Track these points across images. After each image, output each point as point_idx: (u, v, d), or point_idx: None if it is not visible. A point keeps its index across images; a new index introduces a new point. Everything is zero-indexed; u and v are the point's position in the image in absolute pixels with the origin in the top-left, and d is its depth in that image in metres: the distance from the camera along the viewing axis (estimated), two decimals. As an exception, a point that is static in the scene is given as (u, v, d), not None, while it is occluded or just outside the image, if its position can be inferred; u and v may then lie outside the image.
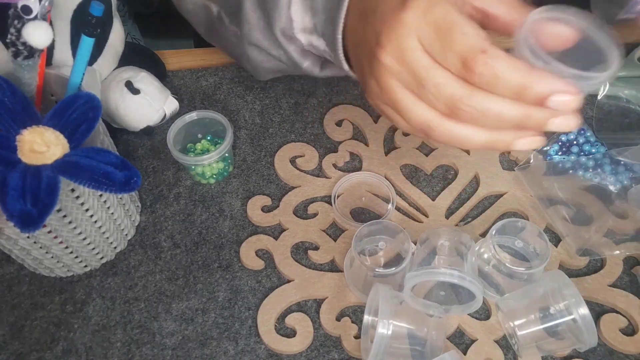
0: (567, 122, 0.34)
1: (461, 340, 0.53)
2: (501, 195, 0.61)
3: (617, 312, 0.54)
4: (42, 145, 0.45)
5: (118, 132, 0.66)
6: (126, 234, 0.59)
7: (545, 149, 0.63)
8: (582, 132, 0.63)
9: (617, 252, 0.56)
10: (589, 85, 0.34)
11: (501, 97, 0.34)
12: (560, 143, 0.63)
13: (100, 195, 0.52)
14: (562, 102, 0.32)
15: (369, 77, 0.40)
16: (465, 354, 0.51)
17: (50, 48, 0.56)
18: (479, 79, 0.33)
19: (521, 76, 0.33)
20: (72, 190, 0.48)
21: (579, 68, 0.34)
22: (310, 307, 0.55)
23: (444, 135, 0.37)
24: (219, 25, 0.57)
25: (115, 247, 0.58)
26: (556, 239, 0.58)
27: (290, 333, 0.53)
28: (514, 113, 0.34)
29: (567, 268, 0.57)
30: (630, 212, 0.58)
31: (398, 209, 0.61)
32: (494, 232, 0.53)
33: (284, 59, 0.54)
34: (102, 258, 0.57)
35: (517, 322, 0.50)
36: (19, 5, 0.48)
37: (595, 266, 0.57)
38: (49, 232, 0.50)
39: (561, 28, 0.35)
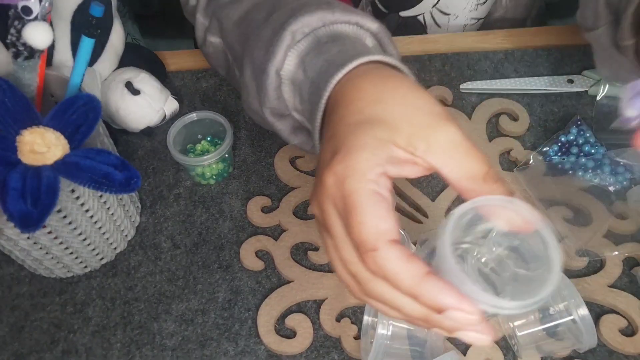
0: (477, 337, 0.31)
1: (461, 341, 0.53)
2: (501, 196, 0.61)
3: (616, 312, 0.54)
4: (42, 146, 0.45)
5: (118, 132, 0.66)
6: (126, 235, 0.59)
7: (544, 149, 0.63)
8: (582, 132, 0.63)
9: (617, 252, 0.56)
10: (496, 311, 0.30)
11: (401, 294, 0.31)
12: (559, 144, 0.63)
13: (100, 196, 0.52)
14: (460, 319, 0.30)
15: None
16: (465, 354, 0.51)
17: (51, 49, 0.56)
18: (370, 271, 0.32)
19: (411, 285, 0.30)
20: (72, 190, 0.48)
21: (517, 268, 0.33)
22: (310, 308, 0.55)
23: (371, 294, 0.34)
24: (234, 74, 0.56)
25: (115, 248, 0.58)
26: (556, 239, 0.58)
27: (290, 334, 0.53)
28: (415, 314, 0.31)
29: (567, 268, 0.57)
30: (630, 212, 0.59)
31: (398, 209, 0.61)
32: (494, 232, 0.53)
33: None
34: (102, 259, 0.57)
35: (516, 323, 0.50)
36: (19, 6, 0.48)
37: (595, 267, 0.57)
38: (49, 232, 0.50)
39: (517, 218, 0.33)
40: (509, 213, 0.32)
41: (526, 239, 0.33)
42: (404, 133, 0.33)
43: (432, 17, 0.77)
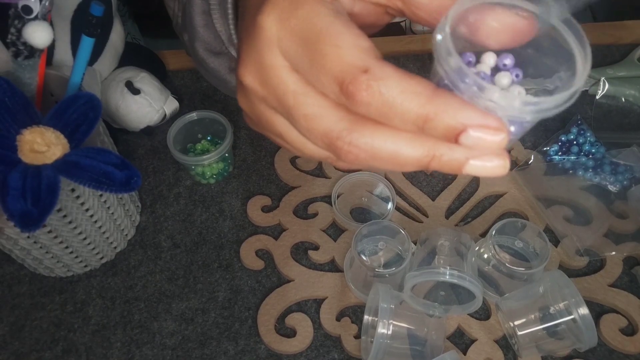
0: (491, 166, 0.24)
1: (461, 340, 0.53)
2: (501, 196, 0.61)
3: (617, 312, 0.54)
4: (42, 145, 0.45)
5: (118, 132, 0.66)
6: (126, 234, 0.59)
7: (545, 149, 0.63)
8: (582, 132, 0.63)
9: (617, 252, 0.56)
10: (532, 113, 0.23)
11: (396, 131, 0.24)
12: (560, 143, 0.63)
13: (101, 195, 0.52)
14: (481, 140, 0.22)
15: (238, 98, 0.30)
16: (465, 354, 0.51)
17: (51, 48, 0.56)
18: (365, 109, 0.24)
19: (421, 104, 0.23)
20: (72, 190, 0.48)
21: (532, 78, 0.26)
22: (310, 307, 0.55)
23: (359, 160, 0.26)
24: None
25: (115, 247, 0.58)
26: (556, 239, 0.58)
27: (290, 333, 0.53)
28: (414, 155, 0.24)
29: (567, 268, 0.57)
30: (630, 212, 0.59)
31: (398, 209, 0.61)
32: (493, 232, 0.53)
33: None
34: (102, 258, 0.57)
35: (517, 322, 0.50)
36: (20, 5, 0.48)
37: (595, 266, 0.57)
38: (49, 231, 0.50)
39: (510, 18, 0.25)
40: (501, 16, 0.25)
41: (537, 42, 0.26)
42: None
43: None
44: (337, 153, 0.25)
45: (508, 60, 0.25)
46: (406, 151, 0.24)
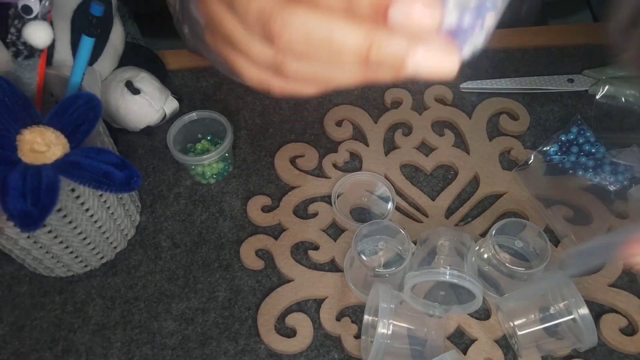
0: (437, 61, 0.22)
1: (461, 340, 0.53)
2: (501, 195, 0.61)
3: (617, 312, 0.54)
4: (42, 145, 0.45)
5: (118, 132, 0.66)
6: (126, 234, 0.59)
7: (545, 149, 0.63)
8: (582, 131, 0.63)
9: (617, 252, 0.56)
10: None
11: (331, 14, 0.22)
12: (560, 143, 0.63)
13: (101, 195, 0.52)
14: (410, 15, 0.21)
15: None
16: (465, 354, 0.51)
17: (51, 48, 0.56)
18: None
19: None
20: (72, 190, 0.48)
21: None
22: (310, 307, 0.55)
23: (294, 45, 0.24)
24: None
25: (115, 247, 0.58)
26: (556, 239, 0.58)
27: (290, 333, 0.53)
28: (351, 40, 0.22)
29: (567, 268, 0.57)
30: (630, 212, 0.58)
31: (398, 209, 0.61)
32: (493, 232, 0.53)
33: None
34: (102, 258, 0.57)
35: (517, 322, 0.50)
36: (20, 5, 0.48)
37: (595, 266, 0.57)
38: (49, 231, 0.50)
39: None
40: None
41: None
42: None
43: None
44: (271, 37, 0.24)
45: None
46: (342, 35, 0.22)
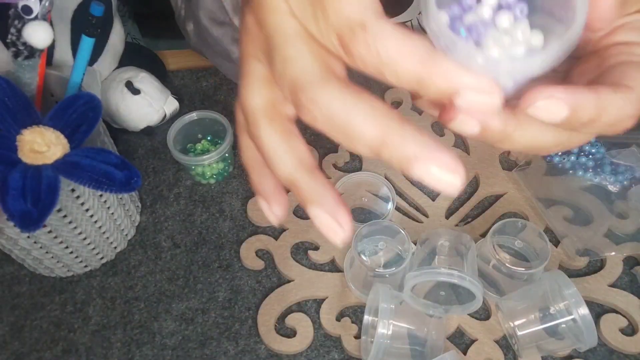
0: (439, 177, 0.23)
1: (461, 340, 0.53)
2: (501, 196, 0.61)
3: (617, 312, 0.54)
4: (42, 145, 0.45)
5: (118, 132, 0.66)
6: (126, 234, 0.59)
7: (545, 149, 0.63)
8: (582, 132, 0.63)
9: (617, 252, 0.56)
10: (522, 69, 0.23)
11: (358, 103, 0.23)
12: (560, 143, 0.63)
13: (101, 195, 0.52)
14: (475, 101, 0.22)
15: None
16: (465, 354, 0.51)
17: (51, 48, 0.56)
18: (362, 65, 0.24)
19: (417, 62, 0.22)
20: (72, 190, 0.48)
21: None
22: (310, 307, 0.55)
23: (316, 119, 0.25)
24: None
25: (115, 247, 0.58)
26: (556, 239, 0.58)
27: (290, 333, 0.53)
28: (367, 133, 0.23)
29: (567, 268, 0.57)
30: (630, 212, 0.58)
31: (398, 209, 0.61)
32: (493, 232, 0.53)
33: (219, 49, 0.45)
34: (102, 258, 0.57)
35: (517, 322, 0.50)
36: (20, 5, 0.48)
37: (595, 266, 0.57)
38: (49, 232, 0.50)
39: None
40: None
41: None
42: None
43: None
44: (297, 107, 0.25)
45: None
46: (360, 126, 0.23)
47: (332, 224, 0.26)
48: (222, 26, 0.44)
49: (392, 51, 0.23)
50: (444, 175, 0.22)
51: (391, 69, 0.23)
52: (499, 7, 0.24)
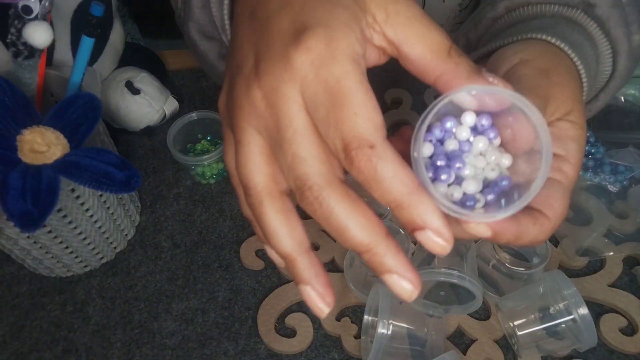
0: (401, 288, 0.27)
1: (461, 340, 0.53)
2: (501, 196, 0.61)
3: (617, 312, 0.54)
4: (42, 145, 0.45)
5: (118, 132, 0.66)
6: (126, 234, 0.59)
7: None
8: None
9: (617, 252, 0.56)
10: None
11: (357, 213, 0.27)
12: (560, 143, 0.63)
13: (100, 195, 0.52)
14: (429, 240, 0.27)
15: (228, 94, 0.31)
16: (465, 354, 0.51)
17: (51, 48, 0.57)
18: (357, 174, 0.27)
19: (402, 193, 0.26)
20: (72, 190, 0.48)
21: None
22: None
23: (315, 215, 0.28)
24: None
25: (115, 247, 0.58)
26: (556, 239, 0.58)
27: (290, 333, 0.53)
28: (358, 239, 0.27)
29: (567, 268, 0.57)
30: (630, 212, 0.59)
31: (398, 209, 0.60)
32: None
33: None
34: (102, 258, 0.57)
35: (516, 322, 0.50)
36: (20, 5, 0.48)
37: (595, 266, 0.57)
38: (49, 232, 0.50)
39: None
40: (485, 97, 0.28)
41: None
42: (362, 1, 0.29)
43: None
44: (300, 198, 0.28)
45: (484, 121, 0.28)
46: (354, 232, 0.27)
47: (320, 303, 0.29)
48: (209, 40, 0.44)
49: (388, 173, 0.26)
50: (407, 286, 0.27)
51: (380, 185, 0.26)
52: (475, 131, 0.28)
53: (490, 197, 0.28)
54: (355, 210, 0.27)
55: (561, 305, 0.48)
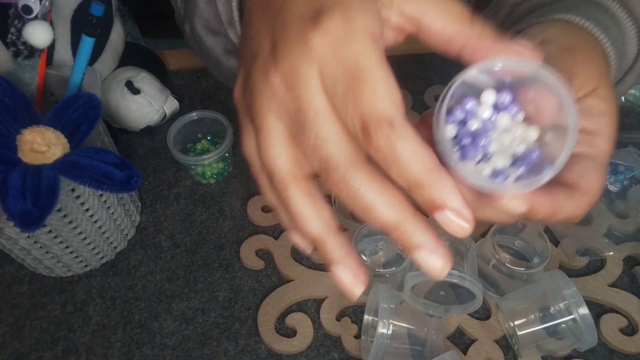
0: (431, 264, 0.26)
1: (461, 340, 0.53)
2: (501, 195, 0.61)
3: (617, 312, 0.54)
4: (42, 144, 0.45)
5: (118, 132, 0.66)
6: (126, 234, 0.59)
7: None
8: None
9: (617, 252, 0.56)
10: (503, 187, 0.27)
11: (384, 191, 0.27)
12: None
13: (101, 195, 0.52)
14: (449, 221, 0.26)
15: (245, 83, 0.31)
16: (465, 354, 0.51)
17: (51, 48, 0.56)
18: (375, 153, 0.26)
19: (422, 171, 0.25)
20: (72, 190, 0.48)
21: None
22: (310, 307, 0.55)
23: (341, 195, 0.28)
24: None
25: (115, 247, 0.58)
26: (556, 239, 0.58)
27: (290, 333, 0.53)
28: (386, 217, 0.26)
29: (567, 268, 0.57)
30: (630, 212, 0.59)
31: (398, 209, 0.60)
32: (493, 232, 0.53)
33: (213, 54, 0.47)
34: (102, 258, 0.57)
35: (517, 322, 0.50)
36: (20, 5, 0.48)
37: (595, 266, 0.57)
38: (49, 231, 0.50)
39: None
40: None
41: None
42: None
43: None
44: (326, 179, 0.27)
45: (505, 97, 0.27)
46: (381, 210, 0.27)
47: (354, 282, 0.29)
48: (215, 36, 0.44)
49: (408, 152, 0.25)
50: (437, 262, 0.26)
51: (399, 165, 0.26)
52: (496, 109, 0.28)
53: (521, 169, 0.27)
54: (382, 189, 0.26)
55: (561, 305, 0.48)
